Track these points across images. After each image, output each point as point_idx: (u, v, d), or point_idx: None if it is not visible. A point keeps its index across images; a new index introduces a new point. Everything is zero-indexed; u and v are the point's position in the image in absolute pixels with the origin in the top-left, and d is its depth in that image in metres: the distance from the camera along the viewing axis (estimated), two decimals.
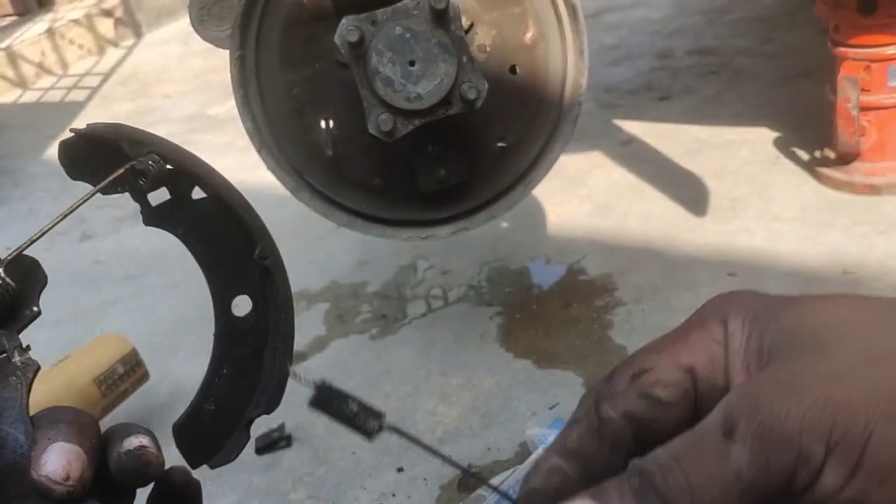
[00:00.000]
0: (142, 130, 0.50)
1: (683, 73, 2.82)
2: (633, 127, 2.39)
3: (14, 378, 0.41)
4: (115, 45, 4.59)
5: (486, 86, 1.11)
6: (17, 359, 0.42)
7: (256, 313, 0.50)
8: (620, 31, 3.26)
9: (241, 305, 0.50)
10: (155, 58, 4.29)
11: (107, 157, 0.50)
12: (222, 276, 0.51)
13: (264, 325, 0.50)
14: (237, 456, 0.49)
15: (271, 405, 0.50)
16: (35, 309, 0.43)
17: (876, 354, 0.32)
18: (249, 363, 0.51)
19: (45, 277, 0.43)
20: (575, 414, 0.37)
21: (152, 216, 0.50)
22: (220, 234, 0.50)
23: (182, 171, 0.50)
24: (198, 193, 0.51)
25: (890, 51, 1.74)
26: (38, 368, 0.42)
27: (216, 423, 0.50)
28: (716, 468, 0.31)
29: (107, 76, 4.13)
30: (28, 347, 0.42)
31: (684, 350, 0.36)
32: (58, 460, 0.38)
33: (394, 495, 1.32)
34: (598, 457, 0.36)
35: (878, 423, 0.30)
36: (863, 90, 1.75)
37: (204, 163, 0.51)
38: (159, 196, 0.50)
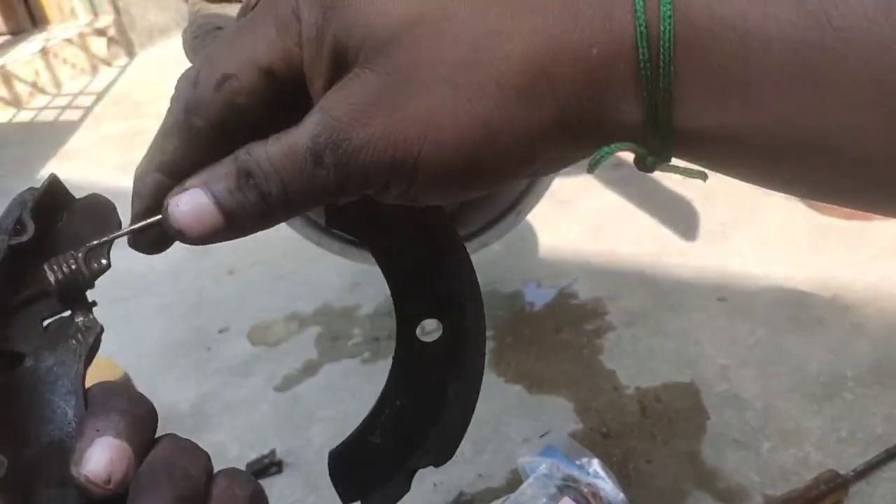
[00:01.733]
0: None
1: None
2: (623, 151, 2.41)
3: (74, 342, 0.38)
4: (109, 64, 4.60)
5: None
6: (79, 319, 0.39)
7: (446, 342, 0.45)
8: None
9: (431, 332, 0.45)
10: (148, 77, 4.30)
11: None
12: (409, 291, 0.46)
13: (454, 358, 0.44)
14: None
15: (444, 456, 0.44)
16: (104, 262, 0.40)
17: (439, 80, 0.33)
18: (428, 399, 0.45)
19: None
20: (165, 124, 0.38)
21: (335, 217, 0.46)
22: (412, 249, 0.45)
23: None
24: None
25: None
26: (102, 330, 0.40)
27: (378, 460, 0.44)
28: (306, 183, 0.34)
29: (100, 96, 4.13)
30: (94, 304, 0.40)
31: (262, 49, 0.35)
32: (102, 459, 0.35)
33: None
34: (197, 164, 0.36)
35: (424, 153, 0.33)
36: None
37: None
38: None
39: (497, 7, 0.33)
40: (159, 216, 0.36)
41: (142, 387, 1.54)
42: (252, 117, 0.36)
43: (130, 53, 4.70)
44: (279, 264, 2.17)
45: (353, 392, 1.64)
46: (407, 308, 0.45)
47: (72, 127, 3.74)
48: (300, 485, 1.43)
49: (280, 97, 0.36)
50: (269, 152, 0.34)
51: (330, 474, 0.44)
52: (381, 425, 0.44)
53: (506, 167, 0.35)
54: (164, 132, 0.38)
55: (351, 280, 2.01)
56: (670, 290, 1.72)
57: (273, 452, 1.48)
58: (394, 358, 0.45)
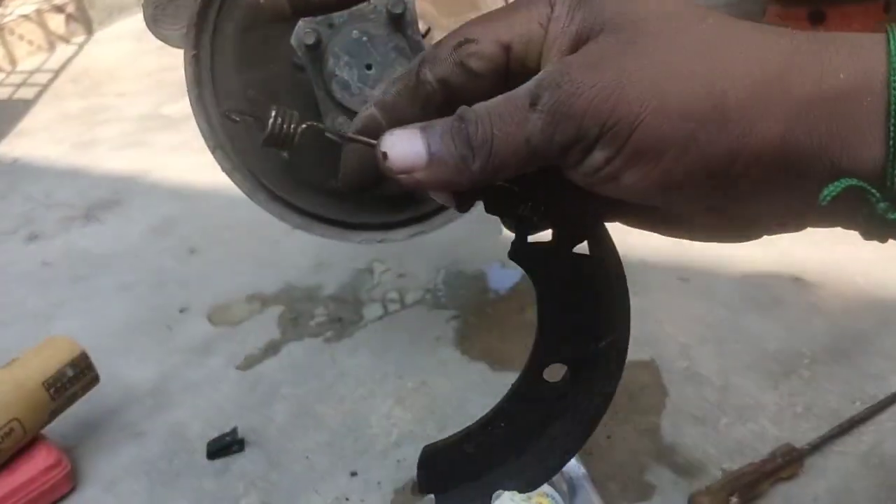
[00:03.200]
0: None
1: None
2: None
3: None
4: (67, 41, 4.50)
5: None
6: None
7: (571, 387, 0.46)
8: None
9: (557, 371, 0.46)
10: (107, 55, 4.22)
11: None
12: (556, 338, 0.47)
13: (571, 402, 0.46)
14: None
15: (530, 485, 0.46)
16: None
17: (679, 57, 0.35)
18: (531, 431, 0.46)
19: None
20: (401, 73, 0.41)
21: (521, 252, 0.46)
22: (580, 297, 0.45)
23: (575, 222, 0.45)
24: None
25: None
26: None
27: (465, 467, 0.47)
28: (514, 129, 0.36)
29: (57, 73, 4.05)
30: None
31: (505, 27, 0.38)
32: None
33: (347, 499, 1.32)
34: (409, 114, 0.39)
35: (647, 118, 0.34)
36: None
37: (599, 222, 0.46)
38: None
39: (746, 25, 0.35)
40: (374, 142, 0.39)
41: (101, 366, 1.53)
42: (477, 86, 0.38)
43: (89, 31, 4.61)
44: (242, 244, 2.15)
45: (316, 371, 1.63)
46: (546, 350, 0.47)
47: (27, 104, 3.66)
48: (262, 462, 1.42)
49: (509, 78, 0.38)
50: (490, 103, 0.37)
51: (418, 465, 0.47)
52: (479, 439, 0.47)
53: (719, 164, 0.35)
54: (396, 77, 0.41)
55: (315, 261, 2.00)
56: (632, 270, 1.73)
57: (235, 430, 1.48)
58: (513, 386, 0.48)
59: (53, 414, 1.44)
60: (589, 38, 0.36)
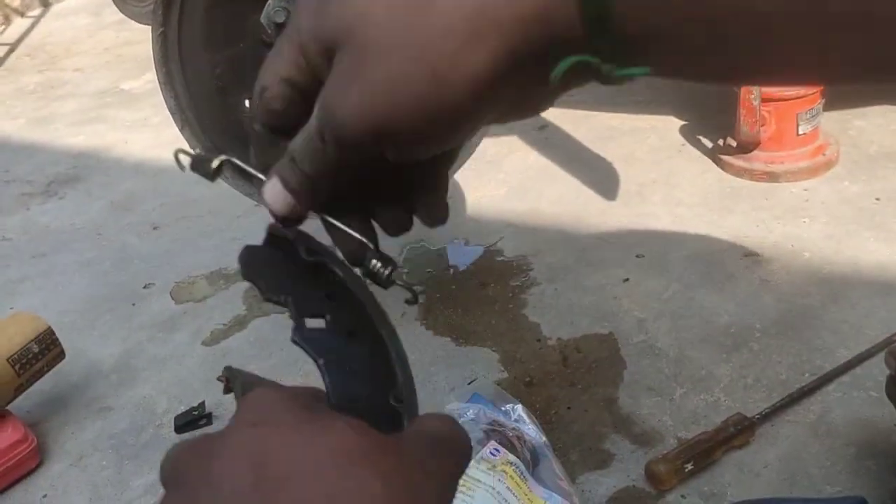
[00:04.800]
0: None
1: None
2: (547, 112, 2.45)
3: None
4: (22, 14, 4.41)
5: None
6: None
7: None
8: None
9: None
10: (64, 29, 4.14)
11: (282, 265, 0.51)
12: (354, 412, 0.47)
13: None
14: None
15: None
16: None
17: (397, 31, 0.36)
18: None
19: None
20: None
21: (302, 335, 0.47)
22: (361, 374, 0.47)
23: (361, 303, 0.49)
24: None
25: None
26: None
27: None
28: (321, 160, 0.40)
29: (13, 47, 3.97)
30: None
31: (281, 64, 0.41)
32: None
33: None
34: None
35: (395, 112, 0.36)
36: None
37: (377, 304, 0.49)
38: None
39: None
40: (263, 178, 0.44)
41: (66, 342, 1.53)
42: (285, 118, 0.42)
43: (45, 3, 4.52)
44: (205, 220, 2.15)
45: (282, 345, 1.65)
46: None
47: None
48: None
49: (298, 102, 0.41)
50: (297, 139, 0.41)
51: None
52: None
53: (464, 114, 0.37)
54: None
55: None
56: (590, 247, 1.79)
57: (202, 405, 1.49)
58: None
59: (19, 390, 1.45)
60: (335, 53, 0.38)
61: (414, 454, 0.36)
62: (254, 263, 0.51)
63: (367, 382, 0.46)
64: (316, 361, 0.46)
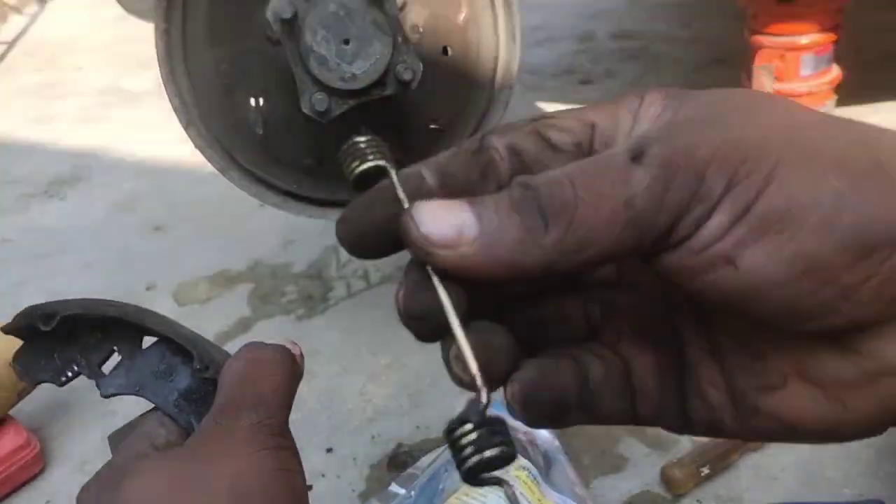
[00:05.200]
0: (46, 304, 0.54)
1: (605, 57, 2.87)
2: (556, 109, 2.44)
3: None
4: (19, 11, 4.38)
5: (421, 67, 1.11)
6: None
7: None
8: (542, 12, 3.29)
9: None
10: (63, 26, 4.12)
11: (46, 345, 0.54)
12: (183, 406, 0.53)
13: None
14: None
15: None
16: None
17: (793, 122, 0.31)
18: None
19: None
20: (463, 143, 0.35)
21: (108, 387, 0.53)
22: (167, 371, 0.53)
23: (124, 322, 0.53)
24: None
25: (804, 40, 1.81)
26: None
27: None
28: (609, 188, 0.29)
29: (11, 45, 3.94)
30: None
31: (590, 112, 0.34)
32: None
33: (323, 475, 1.32)
34: (464, 180, 0.33)
35: (782, 167, 0.28)
36: (776, 79, 1.83)
37: (138, 308, 0.54)
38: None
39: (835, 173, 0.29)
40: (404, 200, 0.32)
41: None
42: (551, 162, 0.33)
43: (42, 0, 4.49)
44: (208, 221, 2.13)
45: None
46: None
47: None
48: None
49: (583, 154, 0.33)
50: (567, 167, 0.30)
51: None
52: None
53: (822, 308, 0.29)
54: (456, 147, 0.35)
55: (284, 237, 1.99)
56: None
57: None
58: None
59: (21, 394, 1.42)
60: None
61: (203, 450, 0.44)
62: (29, 367, 0.55)
63: (178, 374, 0.52)
64: (136, 394, 0.52)
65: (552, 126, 0.33)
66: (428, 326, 0.32)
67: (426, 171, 0.33)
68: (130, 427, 0.54)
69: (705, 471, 1.21)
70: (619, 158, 0.29)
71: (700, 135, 0.29)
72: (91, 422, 1.51)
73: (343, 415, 1.44)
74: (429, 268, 0.31)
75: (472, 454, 0.30)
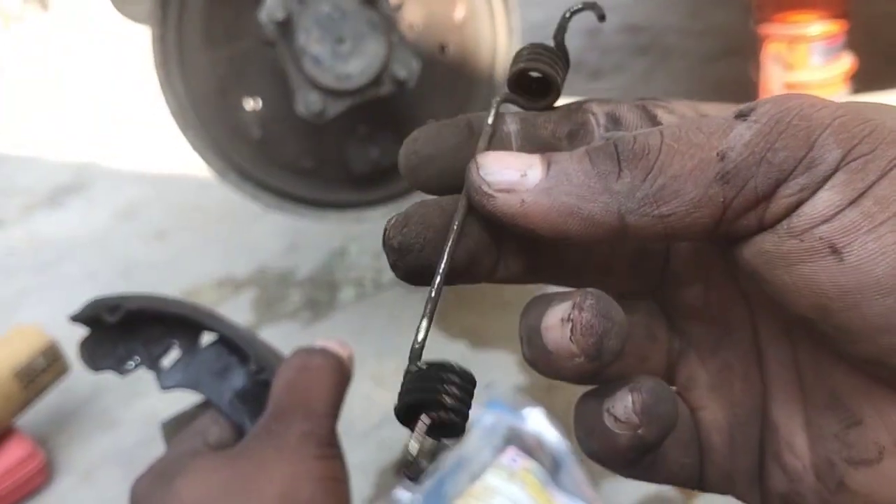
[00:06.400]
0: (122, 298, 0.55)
1: (613, 51, 2.85)
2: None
3: None
4: (21, 20, 4.39)
5: (417, 65, 1.10)
6: None
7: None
8: (548, 7, 3.27)
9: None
10: (62, 34, 4.12)
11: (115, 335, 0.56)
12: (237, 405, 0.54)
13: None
14: None
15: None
16: None
17: None
18: None
19: None
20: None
21: (169, 379, 0.55)
22: (224, 370, 0.54)
23: (186, 319, 0.55)
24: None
25: (813, 29, 1.78)
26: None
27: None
28: (704, 139, 0.25)
29: (11, 54, 3.94)
30: None
31: (708, 105, 0.31)
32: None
33: None
34: (549, 131, 0.31)
35: None
36: (786, 67, 1.80)
37: (200, 307, 0.56)
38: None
39: None
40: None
41: (72, 354, 1.49)
42: None
43: (44, 6, 4.50)
44: (211, 227, 2.11)
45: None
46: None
47: None
48: None
49: None
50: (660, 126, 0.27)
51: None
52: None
53: None
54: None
55: (288, 242, 1.97)
56: None
57: None
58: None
59: (25, 404, 1.41)
60: None
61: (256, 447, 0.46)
62: (93, 356, 0.56)
63: (234, 374, 0.53)
64: (194, 389, 0.53)
65: (661, 106, 0.31)
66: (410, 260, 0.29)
67: (511, 119, 0.31)
68: (184, 417, 0.56)
69: None
70: (723, 116, 0.26)
71: (822, 101, 0.25)
72: (95, 431, 1.50)
73: (349, 420, 1.42)
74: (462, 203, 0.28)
75: (411, 392, 0.28)
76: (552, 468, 1.17)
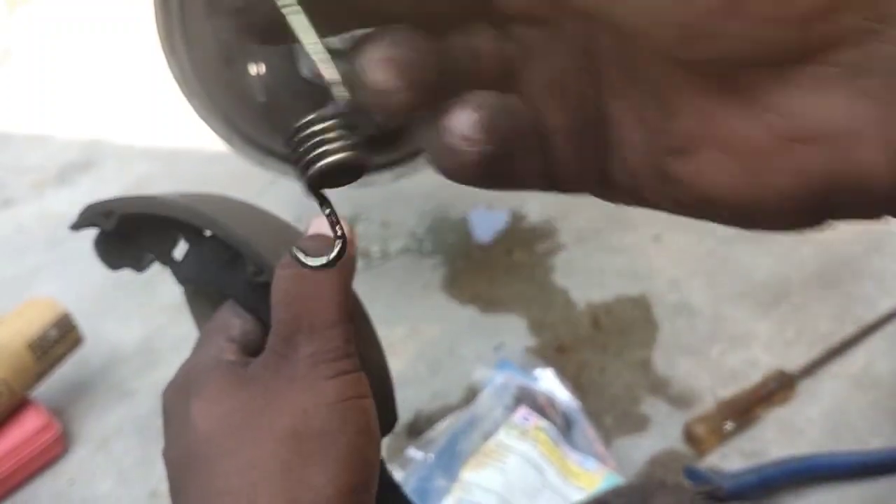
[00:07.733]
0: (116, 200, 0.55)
1: None
2: None
3: None
4: (27, 1, 4.38)
5: None
6: None
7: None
8: None
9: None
10: (64, 11, 4.11)
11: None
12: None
13: None
14: None
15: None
16: None
17: None
18: None
19: None
20: None
21: (183, 271, 0.55)
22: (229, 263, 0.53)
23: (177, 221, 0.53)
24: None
25: None
26: None
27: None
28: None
29: (14, 34, 3.94)
30: None
31: None
32: None
33: None
34: None
35: None
36: None
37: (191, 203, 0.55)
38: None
39: None
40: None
41: (85, 328, 1.50)
42: None
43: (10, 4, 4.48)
44: None
45: None
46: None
47: None
48: None
49: None
50: None
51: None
52: None
53: None
54: None
55: (296, 213, 1.97)
56: (618, 207, 1.73)
57: None
58: None
59: (39, 376, 1.42)
60: None
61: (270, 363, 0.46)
62: (107, 257, 0.56)
63: (240, 267, 0.51)
64: (210, 284, 0.53)
65: None
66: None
67: None
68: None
69: (729, 426, 1.19)
70: None
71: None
72: (111, 401, 1.51)
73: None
74: None
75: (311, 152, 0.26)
76: (564, 427, 1.17)
